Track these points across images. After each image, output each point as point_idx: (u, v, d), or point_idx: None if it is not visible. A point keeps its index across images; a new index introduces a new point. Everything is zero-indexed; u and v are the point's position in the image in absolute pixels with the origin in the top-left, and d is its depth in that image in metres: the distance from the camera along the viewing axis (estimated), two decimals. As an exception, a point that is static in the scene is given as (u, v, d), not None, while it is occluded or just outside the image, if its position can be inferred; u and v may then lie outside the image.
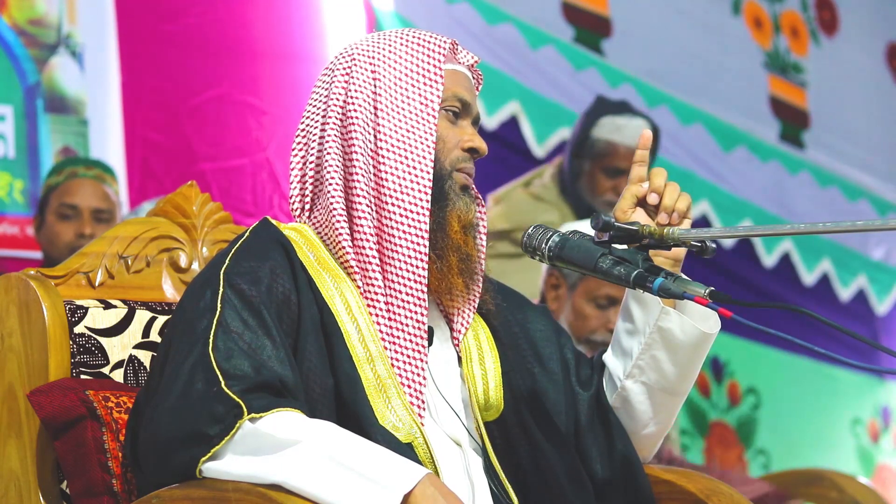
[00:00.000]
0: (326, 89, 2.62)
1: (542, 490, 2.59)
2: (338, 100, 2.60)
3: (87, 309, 2.68)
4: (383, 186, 2.55)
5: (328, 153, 2.58)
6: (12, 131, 5.15)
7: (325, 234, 2.59)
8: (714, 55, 7.12)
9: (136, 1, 5.42)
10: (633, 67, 6.73)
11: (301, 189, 2.64)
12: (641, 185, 2.62)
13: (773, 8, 7.52)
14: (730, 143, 7.10)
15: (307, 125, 2.64)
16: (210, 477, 2.35)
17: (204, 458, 2.33)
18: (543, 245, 2.55)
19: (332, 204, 2.56)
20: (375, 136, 2.57)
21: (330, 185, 2.56)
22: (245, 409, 2.33)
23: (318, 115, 2.62)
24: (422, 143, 2.56)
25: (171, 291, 2.80)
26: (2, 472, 2.63)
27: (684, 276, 2.48)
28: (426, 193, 2.55)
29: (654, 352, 2.63)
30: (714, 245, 2.54)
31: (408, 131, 2.57)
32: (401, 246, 2.54)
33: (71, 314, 2.65)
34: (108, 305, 2.71)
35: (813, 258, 7.31)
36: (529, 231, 2.57)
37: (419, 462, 2.44)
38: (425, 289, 2.55)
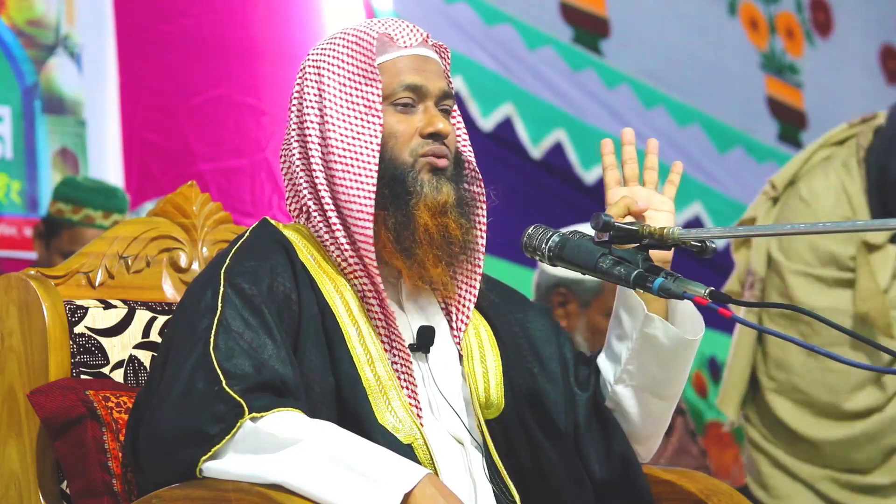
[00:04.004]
0: (296, 96, 2.62)
1: (543, 489, 2.60)
2: (298, 110, 2.59)
3: (87, 309, 2.68)
4: (339, 199, 2.54)
5: (298, 163, 2.58)
6: (10, 132, 5.14)
7: (319, 238, 2.59)
8: (711, 56, 7.12)
9: (134, 2, 5.41)
10: (631, 68, 6.73)
11: (292, 192, 2.64)
12: (631, 191, 2.62)
13: (769, 9, 7.53)
14: (726, 144, 7.10)
15: (287, 130, 2.64)
16: (210, 476, 2.35)
17: (204, 458, 2.34)
18: (543, 245, 2.54)
19: (313, 214, 2.56)
20: (326, 149, 2.56)
21: (303, 197, 2.57)
22: (246, 409, 2.33)
23: (291, 120, 2.62)
24: (367, 149, 2.53)
25: (171, 291, 2.79)
26: (2, 472, 2.63)
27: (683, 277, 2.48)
28: (370, 199, 2.52)
29: (642, 357, 2.62)
30: (714, 245, 2.54)
31: (353, 139, 2.54)
32: (365, 257, 2.53)
33: (71, 314, 2.65)
34: (108, 305, 2.71)
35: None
36: (529, 231, 2.56)
37: (419, 463, 2.44)
38: (383, 295, 2.53)
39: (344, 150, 2.54)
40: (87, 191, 4.74)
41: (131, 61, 5.38)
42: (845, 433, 4.40)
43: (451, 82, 2.65)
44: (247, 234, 2.60)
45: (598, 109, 6.53)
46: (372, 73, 2.55)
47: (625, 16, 6.76)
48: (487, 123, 6.14)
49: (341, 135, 2.54)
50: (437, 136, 2.56)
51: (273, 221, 2.64)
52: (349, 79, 2.56)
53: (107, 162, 5.16)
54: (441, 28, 6.02)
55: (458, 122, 2.67)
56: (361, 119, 2.55)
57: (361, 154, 2.53)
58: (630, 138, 2.66)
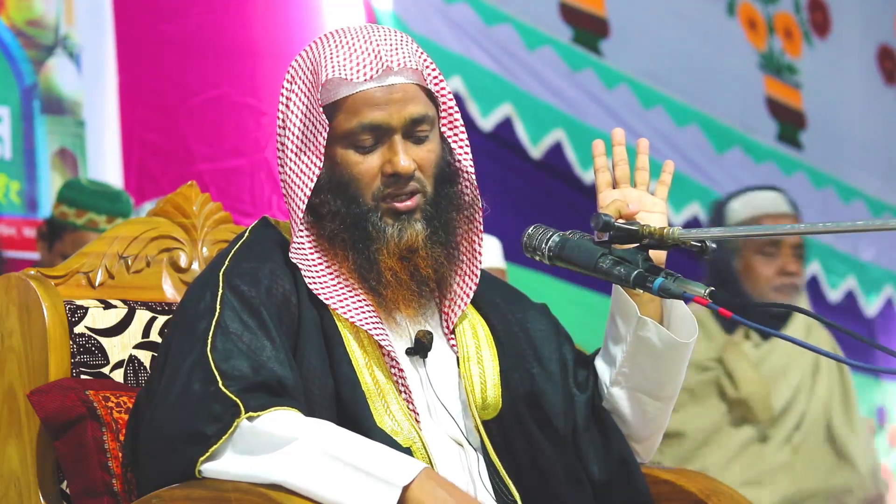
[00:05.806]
0: (279, 104, 2.62)
1: (542, 490, 2.59)
2: (279, 120, 2.60)
3: (87, 309, 2.68)
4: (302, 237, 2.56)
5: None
6: (9, 132, 5.14)
7: None
8: (710, 56, 7.13)
9: (133, 2, 5.41)
10: (630, 68, 6.74)
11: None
12: (623, 193, 2.62)
13: (767, 9, 7.54)
14: (725, 144, 7.10)
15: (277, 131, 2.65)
16: (209, 476, 2.35)
17: (203, 458, 2.34)
18: (543, 245, 2.54)
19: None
20: (283, 171, 2.56)
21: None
22: (242, 408, 2.33)
23: (278, 125, 2.63)
24: (303, 188, 2.52)
25: (171, 291, 2.79)
26: (2, 473, 2.63)
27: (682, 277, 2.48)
28: (300, 224, 2.52)
29: (636, 359, 2.62)
30: (714, 245, 2.54)
31: (298, 174, 2.53)
32: (320, 294, 2.54)
33: (71, 314, 2.65)
34: (108, 305, 2.71)
35: (802, 260, 7.31)
36: (529, 231, 2.56)
37: (418, 464, 2.44)
38: (375, 317, 2.52)
39: (292, 181, 2.53)
40: (91, 194, 4.72)
41: (130, 61, 5.37)
42: None
43: (443, 93, 2.57)
44: (246, 233, 2.60)
45: (597, 110, 6.54)
46: (318, 117, 2.51)
47: (624, 16, 6.77)
48: (487, 123, 6.14)
49: (291, 169, 2.54)
50: (398, 178, 2.52)
51: (273, 221, 2.64)
52: (307, 108, 2.53)
53: (106, 162, 5.15)
54: (440, 28, 6.02)
55: (454, 124, 2.60)
56: (308, 156, 2.52)
57: (298, 192, 2.53)
58: (621, 139, 2.64)
